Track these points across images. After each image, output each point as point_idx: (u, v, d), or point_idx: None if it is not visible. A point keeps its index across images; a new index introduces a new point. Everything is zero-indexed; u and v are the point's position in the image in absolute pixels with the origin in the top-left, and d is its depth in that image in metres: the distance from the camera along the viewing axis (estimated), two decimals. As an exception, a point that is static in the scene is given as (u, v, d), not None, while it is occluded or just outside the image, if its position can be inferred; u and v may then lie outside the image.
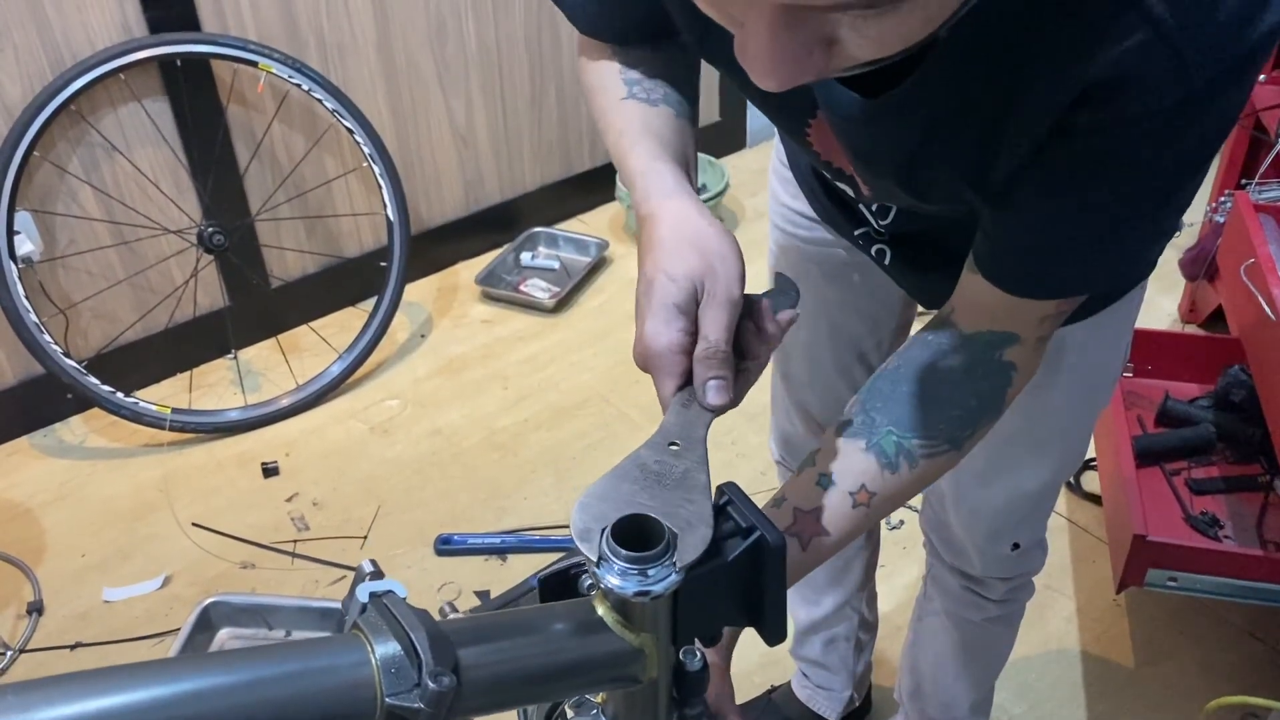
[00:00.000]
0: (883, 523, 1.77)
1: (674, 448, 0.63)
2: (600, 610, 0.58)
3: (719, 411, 0.65)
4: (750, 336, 0.70)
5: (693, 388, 0.67)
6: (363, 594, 0.55)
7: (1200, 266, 2.29)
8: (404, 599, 0.55)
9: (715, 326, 0.67)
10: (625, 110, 0.81)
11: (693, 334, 0.67)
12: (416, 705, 0.50)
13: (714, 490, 0.62)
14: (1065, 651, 1.79)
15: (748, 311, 0.70)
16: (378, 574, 0.56)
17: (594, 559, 0.55)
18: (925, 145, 0.70)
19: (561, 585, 0.62)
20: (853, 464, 0.73)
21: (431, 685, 0.50)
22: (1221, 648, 1.78)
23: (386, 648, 0.51)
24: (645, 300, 0.68)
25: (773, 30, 0.48)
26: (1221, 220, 2.22)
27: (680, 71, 0.86)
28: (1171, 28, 0.56)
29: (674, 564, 0.55)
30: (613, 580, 0.56)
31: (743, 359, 0.70)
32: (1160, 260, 0.95)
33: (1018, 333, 0.73)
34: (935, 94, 0.65)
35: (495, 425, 2.30)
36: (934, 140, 0.69)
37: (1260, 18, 0.56)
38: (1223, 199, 2.25)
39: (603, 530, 0.56)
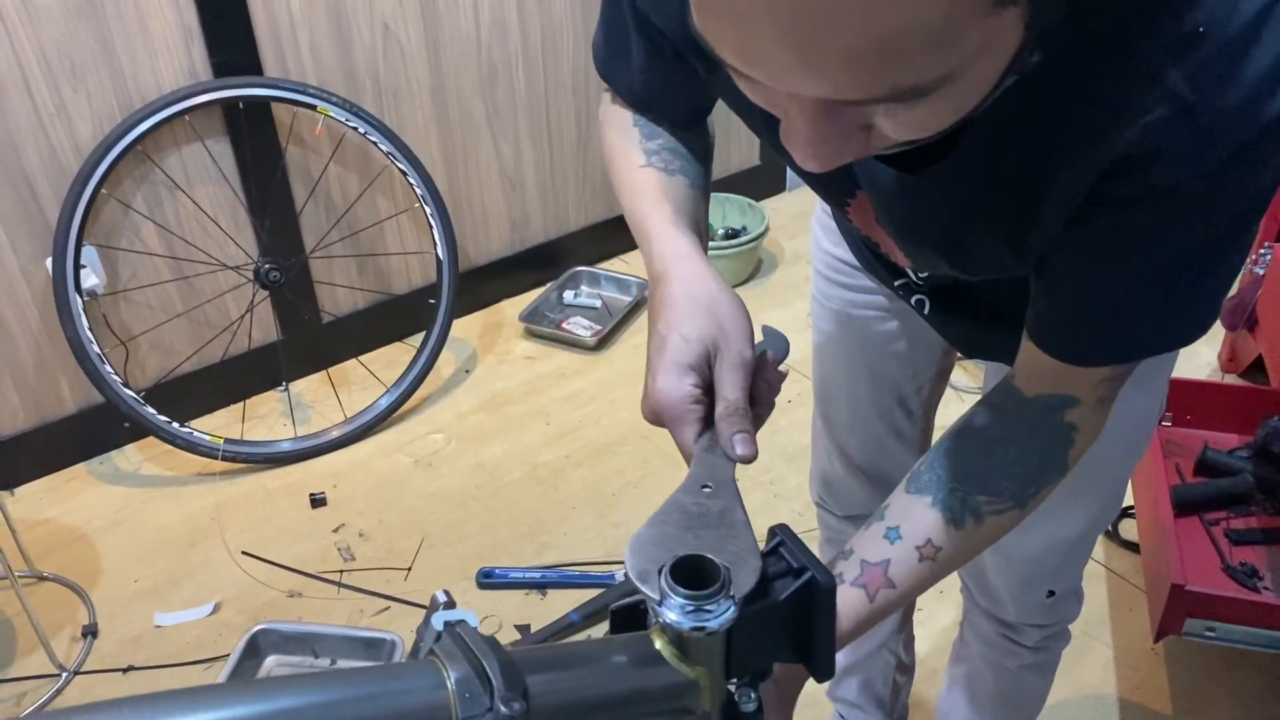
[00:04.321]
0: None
1: (706, 490, 0.66)
2: (658, 644, 0.61)
3: (745, 461, 0.69)
4: (758, 387, 0.74)
5: (712, 434, 0.70)
6: (438, 622, 0.59)
7: (1240, 316, 2.30)
8: (476, 628, 0.59)
9: (732, 386, 0.70)
10: (643, 176, 0.85)
11: (702, 389, 0.71)
12: (489, 728, 0.53)
13: (765, 531, 0.65)
14: (1103, 699, 1.79)
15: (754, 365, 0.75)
16: (451, 604, 0.60)
17: (656, 598, 0.58)
18: (965, 219, 0.73)
19: (631, 617, 0.65)
20: (920, 519, 0.76)
21: (503, 709, 0.53)
22: (1261, 700, 1.77)
23: (461, 673, 0.54)
24: (658, 357, 0.71)
25: (813, 121, 0.52)
26: (1261, 272, 2.23)
27: (698, 147, 0.90)
28: (1193, 102, 0.58)
29: (731, 599, 0.58)
30: (671, 616, 0.59)
31: (753, 406, 0.74)
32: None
33: (1076, 395, 0.75)
34: (972, 169, 0.69)
35: (537, 460, 2.35)
36: (973, 214, 0.72)
37: (1277, 91, 0.58)
38: (1263, 250, 2.26)
39: (660, 569, 0.60)
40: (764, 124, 0.77)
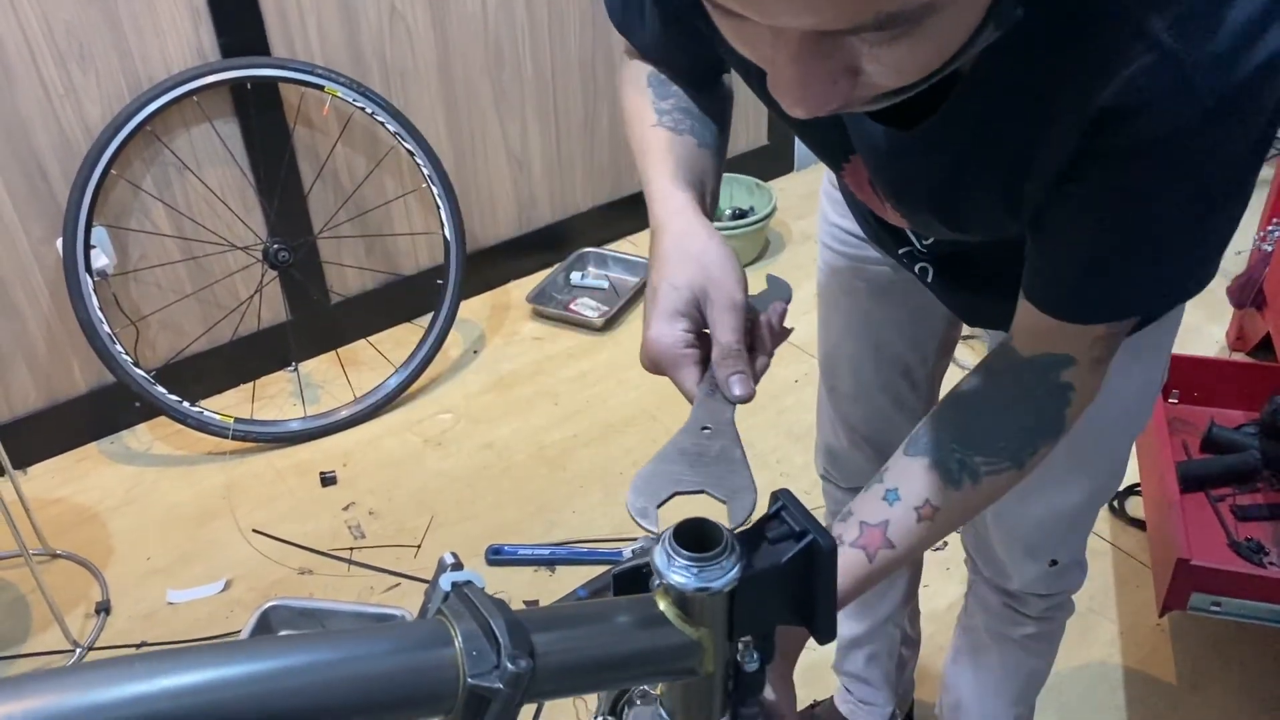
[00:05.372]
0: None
1: (706, 431, 0.69)
2: (662, 605, 0.62)
3: (742, 401, 0.71)
4: (759, 333, 0.76)
5: (711, 378, 0.72)
6: (445, 583, 0.60)
7: (1248, 294, 2.30)
8: (482, 589, 0.60)
9: (725, 329, 0.72)
10: (653, 135, 0.88)
11: (695, 333, 0.73)
12: (496, 685, 0.54)
13: (768, 496, 0.66)
14: (1108, 674, 1.80)
15: (754, 312, 0.77)
16: (458, 565, 0.60)
17: (655, 531, 0.60)
18: (957, 176, 0.73)
19: (633, 582, 0.67)
20: (918, 479, 0.77)
21: (510, 667, 0.54)
22: (1265, 674, 1.78)
23: (468, 631, 0.56)
24: (651, 307, 0.74)
25: (798, 62, 0.53)
26: (1270, 249, 2.22)
27: (712, 108, 0.92)
28: (1176, 50, 0.59)
29: (735, 560, 0.59)
30: (675, 577, 0.60)
31: (753, 353, 0.75)
32: (1209, 288, 0.97)
33: (1072, 354, 0.76)
34: (962, 125, 0.69)
35: (545, 440, 2.36)
36: (965, 171, 0.73)
37: (1262, 38, 0.58)
38: (1271, 228, 2.25)
39: (660, 504, 0.61)
40: (761, 83, 0.78)
